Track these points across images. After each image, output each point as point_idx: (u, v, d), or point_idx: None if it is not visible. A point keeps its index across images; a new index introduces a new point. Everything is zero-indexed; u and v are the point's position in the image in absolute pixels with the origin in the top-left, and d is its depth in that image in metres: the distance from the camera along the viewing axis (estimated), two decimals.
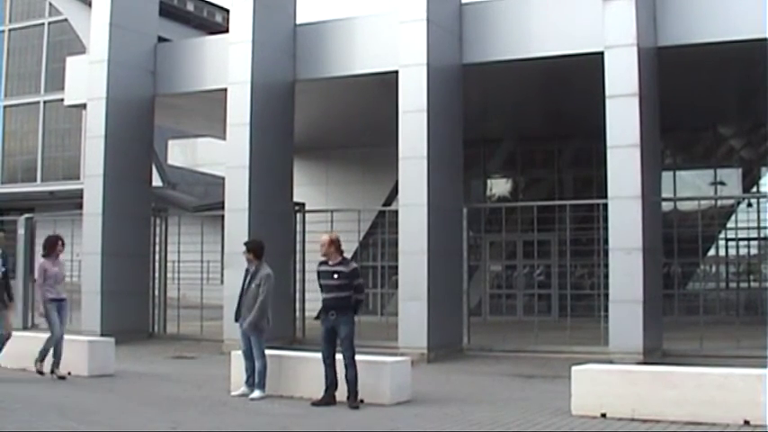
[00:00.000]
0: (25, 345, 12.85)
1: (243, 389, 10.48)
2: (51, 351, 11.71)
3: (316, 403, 9.68)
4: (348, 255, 10.20)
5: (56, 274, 11.80)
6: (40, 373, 11.71)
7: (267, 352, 10.48)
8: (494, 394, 10.78)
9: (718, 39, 13.46)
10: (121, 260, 16.70)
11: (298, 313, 16.84)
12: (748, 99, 15.85)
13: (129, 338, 15.74)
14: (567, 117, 20.24)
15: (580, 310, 16.89)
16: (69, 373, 11.82)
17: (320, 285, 9.90)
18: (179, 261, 17.67)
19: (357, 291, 9.86)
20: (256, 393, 10.25)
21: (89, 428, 8.55)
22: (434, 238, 14.17)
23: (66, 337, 11.91)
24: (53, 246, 11.97)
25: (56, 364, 11.70)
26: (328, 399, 9.69)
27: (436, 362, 13.75)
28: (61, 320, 11.79)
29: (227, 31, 16.64)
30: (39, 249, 19.81)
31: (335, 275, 9.74)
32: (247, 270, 10.61)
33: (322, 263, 9.96)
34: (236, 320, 10.60)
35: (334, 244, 9.84)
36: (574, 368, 9.12)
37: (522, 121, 21.17)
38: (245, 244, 10.82)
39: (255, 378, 10.32)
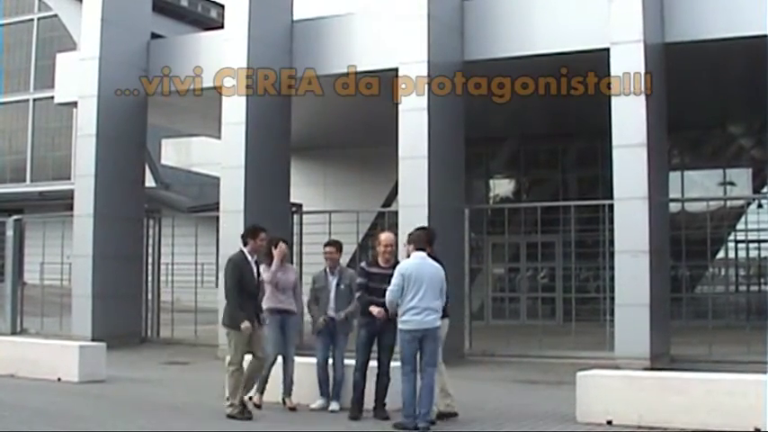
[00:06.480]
0: (13, 350, 12.86)
1: (320, 402, 9.73)
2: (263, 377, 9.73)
3: (355, 417, 9.03)
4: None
5: (278, 281, 9.77)
6: (257, 406, 9.57)
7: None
8: (496, 400, 10.66)
9: (728, 35, 13.31)
10: (113, 263, 16.50)
11: None
12: (758, 96, 15.67)
13: (121, 343, 15.59)
14: (572, 115, 20.09)
15: (585, 314, 16.74)
16: (59, 379, 11.59)
17: (369, 288, 9.04)
18: (173, 264, 17.56)
19: None
20: (334, 405, 9.59)
21: None
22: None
23: (54, 342, 11.59)
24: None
25: (286, 392, 9.76)
26: (361, 408, 9.11)
27: None
28: (286, 338, 9.82)
29: (222, 27, 16.54)
30: (28, 252, 20.14)
31: None
32: (326, 270, 9.83)
33: (372, 264, 9.24)
34: (315, 330, 9.84)
35: None
36: (579, 374, 9.06)
37: (526, 120, 21.00)
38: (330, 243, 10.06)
39: (332, 388, 9.66)
